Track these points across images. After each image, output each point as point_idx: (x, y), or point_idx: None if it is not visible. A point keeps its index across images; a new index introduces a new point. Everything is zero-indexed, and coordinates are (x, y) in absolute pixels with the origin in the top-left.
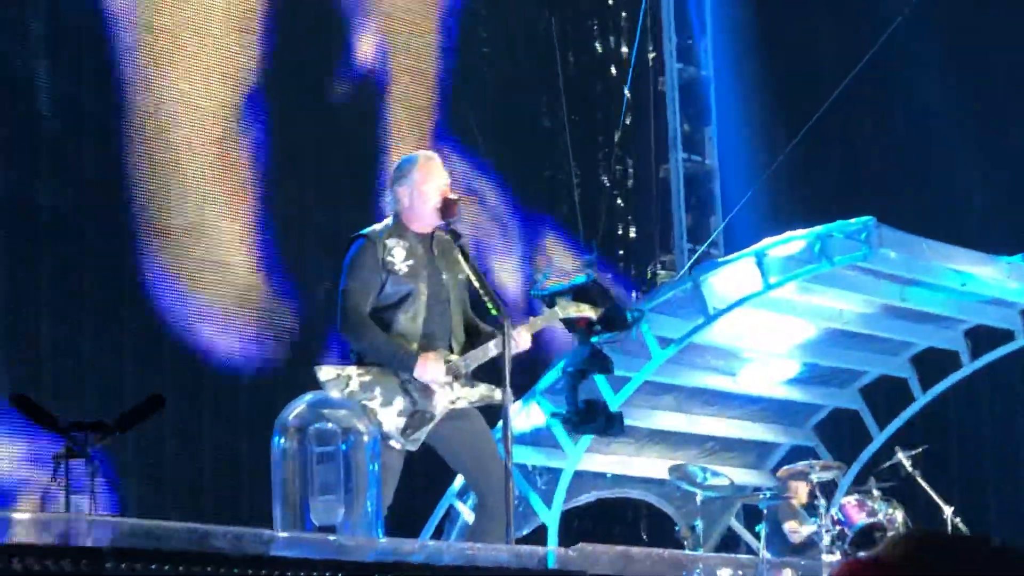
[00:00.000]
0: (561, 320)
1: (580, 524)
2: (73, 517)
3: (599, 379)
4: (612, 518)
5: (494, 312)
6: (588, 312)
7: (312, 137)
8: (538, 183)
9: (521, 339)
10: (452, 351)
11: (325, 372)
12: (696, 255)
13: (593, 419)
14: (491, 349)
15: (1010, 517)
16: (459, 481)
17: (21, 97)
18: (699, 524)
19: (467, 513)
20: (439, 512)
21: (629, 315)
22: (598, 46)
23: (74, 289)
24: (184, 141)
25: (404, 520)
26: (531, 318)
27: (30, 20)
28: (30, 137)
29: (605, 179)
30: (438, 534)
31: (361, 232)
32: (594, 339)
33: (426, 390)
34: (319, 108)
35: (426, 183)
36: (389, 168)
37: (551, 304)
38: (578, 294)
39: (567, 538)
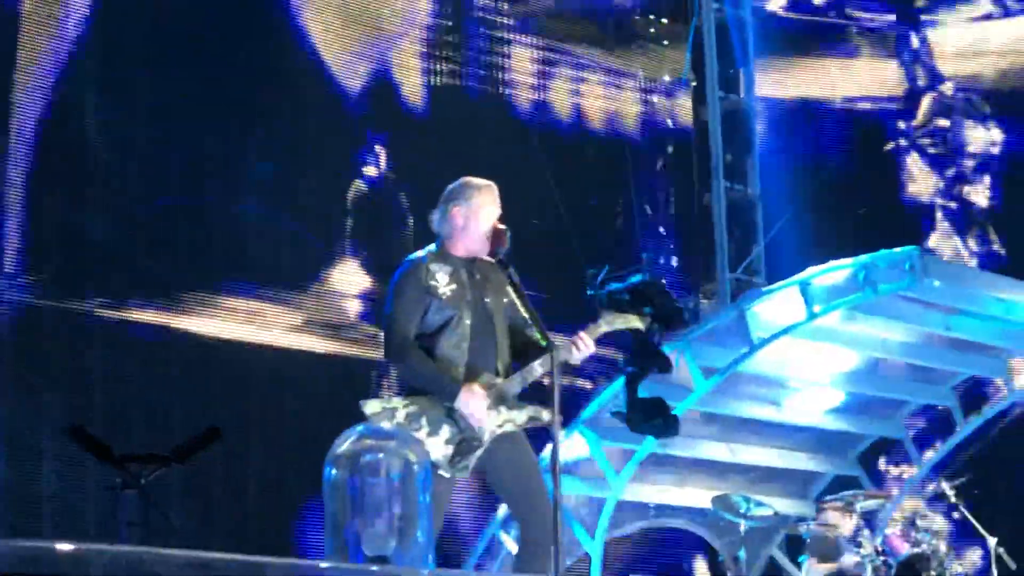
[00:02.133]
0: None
1: (623, 554)
2: (127, 550)
3: None
4: (655, 548)
5: (542, 342)
6: (635, 323)
7: None
8: (580, 210)
9: (582, 345)
10: (498, 375)
11: (371, 406)
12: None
13: (652, 418)
14: (536, 369)
15: None
16: (503, 511)
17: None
18: (742, 554)
19: (510, 544)
20: (483, 541)
21: (685, 312)
22: (642, 74)
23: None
24: None
25: (447, 548)
26: (590, 325)
27: None
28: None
29: (647, 207)
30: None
31: (408, 257)
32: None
33: (472, 417)
34: None
35: (484, 208)
36: None
37: (602, 304)
38: (634, 293)
39: (610, 569)
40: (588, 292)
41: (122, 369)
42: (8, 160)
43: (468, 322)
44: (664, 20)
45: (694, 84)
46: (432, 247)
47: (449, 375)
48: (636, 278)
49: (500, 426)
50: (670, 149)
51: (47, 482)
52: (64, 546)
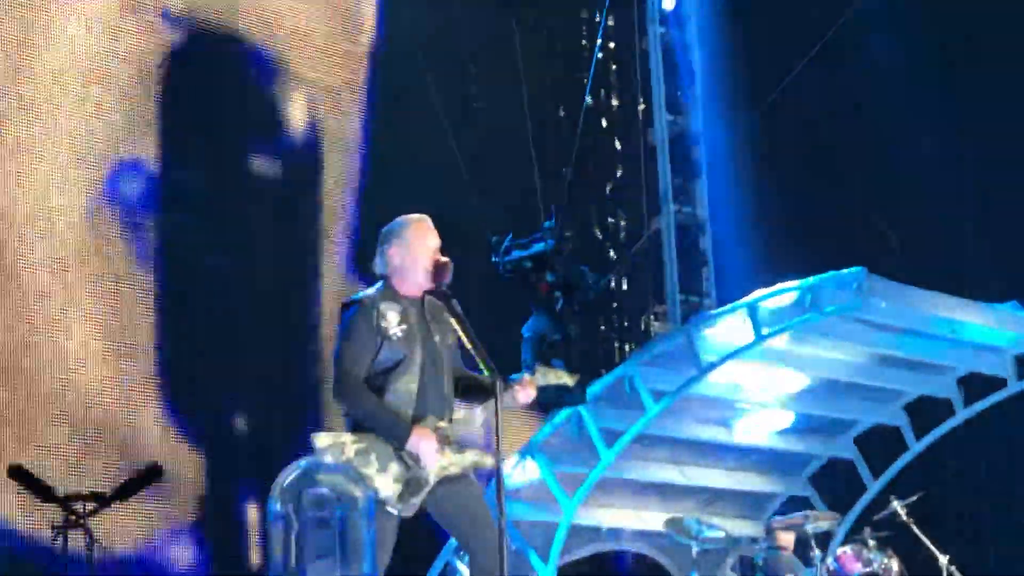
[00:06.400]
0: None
1: None
2: None
3: (592, 432)
4: (609, 571)
5: (488, 374)
6: (566, 379)
7: None
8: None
9: (523, 394)
10: (444, 416)
11: (322, 439)
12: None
13: (559, 388)
14: (476, 419)
15: (1008, 566)
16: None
17: None
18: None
19: (464, 570)
20: (436, 569)
21: (589, 278)
22: (589, 99)
23: None
24: None
25: None
26: (527, 376)
27: None
28: None
29: (598, 232)
30: None
31: (355, 297)
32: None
33: (419, 457)
34: None
35: (418, 244)
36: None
37: (505, 271)
38: (536, 260)
39: None
40: (492, 259)
41: None
42: None
43: (418, 362)
44: (612, 44)
45: (642, 107)
46: (379, 285)
47: (399, 416)
48: (539, 246)
49: (445, 468)
50: (619, 172)
51: None
52: None
